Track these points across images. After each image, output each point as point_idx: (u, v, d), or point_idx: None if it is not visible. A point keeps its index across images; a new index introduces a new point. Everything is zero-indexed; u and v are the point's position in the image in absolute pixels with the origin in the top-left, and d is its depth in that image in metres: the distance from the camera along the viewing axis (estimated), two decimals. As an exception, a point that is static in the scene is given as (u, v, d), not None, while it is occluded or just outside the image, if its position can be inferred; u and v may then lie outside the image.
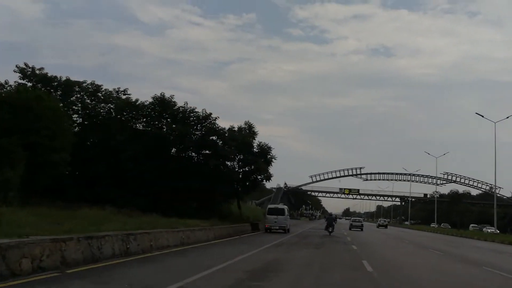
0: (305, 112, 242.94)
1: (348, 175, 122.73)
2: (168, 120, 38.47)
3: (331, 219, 39.96)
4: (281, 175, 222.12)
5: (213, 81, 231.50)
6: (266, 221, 34.91)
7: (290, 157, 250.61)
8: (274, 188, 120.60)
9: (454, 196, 79.47)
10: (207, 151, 38.96)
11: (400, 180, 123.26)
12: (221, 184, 37.68)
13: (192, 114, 38.51)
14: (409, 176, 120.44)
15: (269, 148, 41.09)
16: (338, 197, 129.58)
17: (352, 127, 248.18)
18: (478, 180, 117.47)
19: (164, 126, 38.06)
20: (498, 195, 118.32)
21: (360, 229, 54.87)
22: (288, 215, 36.23)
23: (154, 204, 33.71)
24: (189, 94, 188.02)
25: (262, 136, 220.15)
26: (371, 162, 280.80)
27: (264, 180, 41.50)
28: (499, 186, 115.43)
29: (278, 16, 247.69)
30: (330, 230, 37.63)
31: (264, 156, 40.84)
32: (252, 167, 40.18)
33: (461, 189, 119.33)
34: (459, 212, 78.02)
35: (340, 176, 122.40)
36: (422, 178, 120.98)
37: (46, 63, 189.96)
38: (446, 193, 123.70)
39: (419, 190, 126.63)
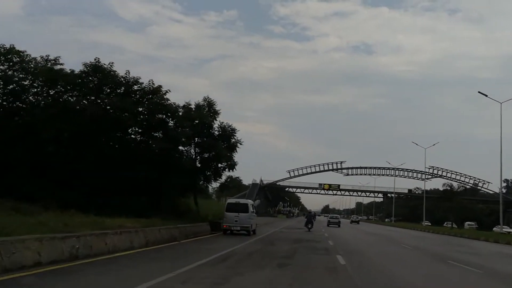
0: (287, 109, 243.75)
1: (328, 170, 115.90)
2: (111, 96, 30.57)
3: (310, 216, 43.21)
4: (262, 172, 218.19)
5: (194, 78, 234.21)
6: (224, 220, 27.42)
7: (272, 155, 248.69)
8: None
9: (447, 192, 72.81)
10: (156, 134, 31.38)
11: (383, 175, 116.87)
12: (173, 174, 30.13)
13: (135, 87, 30.78)
14: (393, 171, 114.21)
15: (233, 130, 33.62)
16: (317, 193, 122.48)
17: (334, 124, 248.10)
18: (464, 175, 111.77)
19: (100, 102, 30.15)
20: (486, 190, 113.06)
21: (337, 226, 56.73)
22: (253, 212, 28.78)
23: (86, 199, 26.33)
24: (169, 92, 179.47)
25: (244, 133, 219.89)
26: (353, 159, 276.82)
27: (227, 170, 33.92)
28: (487, 181, 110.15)
29: (259, 13, 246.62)
30: (309, 226, 40.45)
31: (226, 140, 33.36)
32: (213, 153, 32.69)
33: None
34: (453, 208, 71.27)
35: (320, 171, 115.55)
36: (406, 172, 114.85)
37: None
38: (430, 189, 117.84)
39: (403, 185, 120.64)
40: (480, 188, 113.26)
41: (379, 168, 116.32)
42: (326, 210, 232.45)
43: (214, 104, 33.67)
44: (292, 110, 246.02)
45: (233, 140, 33.68)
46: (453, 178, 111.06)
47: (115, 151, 29.59)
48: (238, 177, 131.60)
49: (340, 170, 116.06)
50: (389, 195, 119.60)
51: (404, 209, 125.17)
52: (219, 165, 33.32)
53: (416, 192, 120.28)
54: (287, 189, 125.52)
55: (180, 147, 32.32)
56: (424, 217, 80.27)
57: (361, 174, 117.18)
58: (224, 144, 33.14)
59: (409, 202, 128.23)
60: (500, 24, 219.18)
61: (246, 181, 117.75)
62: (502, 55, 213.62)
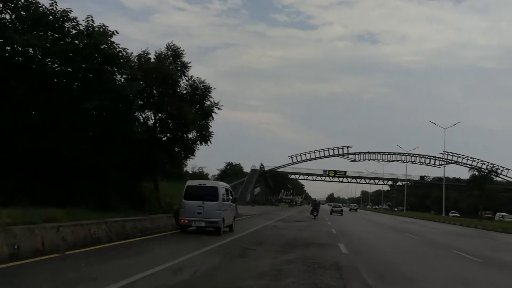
0: (291, 98, 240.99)
1: (334, 155, 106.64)
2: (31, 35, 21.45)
3: (315, 205, 46.68)
4: (265, 161, 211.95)
5: (198, 67, 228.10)
6: (181, 212, 18.45)
7: (275, 143, 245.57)
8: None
9: (477, 178, 63.09)
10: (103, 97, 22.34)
11: (393, 161, 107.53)
12: (117, 147, 21.25)
13: (67, 25, 21.72)
14: (403, 156, 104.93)
15: (207, 88, 24.62)
16: (322, 180, 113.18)
17: (338, 113, 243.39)
18: (481, 161, 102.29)
19: (15, 44, 21.04)
20: (505, 178, 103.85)
21: (340, 214, 59.00)
22: (229, 199, 19.73)
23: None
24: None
25: (248, 122, 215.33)
26: (357, 148, 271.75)
27: (200, 142, 24.86)
28: (506, 168, 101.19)
29: (264, 1, 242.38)
30: (315, 214, 43.48)
31: (198, 102, 24.47)
32: (182, 120, 23.62)
33: (460, 170, 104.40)
34: (483, 197, 62.02)
35: (324, 157, 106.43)
36: (418, 158, 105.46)
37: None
38: (440, 177, 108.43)
39: (412, 172, 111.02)
40: (498, 175, 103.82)
41: (389, 153, 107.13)
42: (330, 198, 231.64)
43: (182, 55, 24.72)
44: (296, 99, 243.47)
45: (208, 103, 24.77)
46: (469, 165, 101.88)
47: (36, 113, 20.72)
48: (238, 164, 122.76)
49: (346, 156, 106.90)
50: (400, 182, 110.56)
51: (413, 198, 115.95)
52: (188, 136, 24.36)
53: (426, 180, 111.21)
54: (289, 175, 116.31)
55: (138, 114, 23.33)
56: (444, 207, 70.37)
57: (369, 160, 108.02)
58: (195, 107, 24.29)
59: (418, 190, 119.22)
60: (505, 14, 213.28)
61: (248, 169, 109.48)
62: (507, 45, 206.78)
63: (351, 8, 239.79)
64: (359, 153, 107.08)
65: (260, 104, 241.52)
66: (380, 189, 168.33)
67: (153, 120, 24.28)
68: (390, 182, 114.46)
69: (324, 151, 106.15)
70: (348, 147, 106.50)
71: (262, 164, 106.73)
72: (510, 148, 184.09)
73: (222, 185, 18.91)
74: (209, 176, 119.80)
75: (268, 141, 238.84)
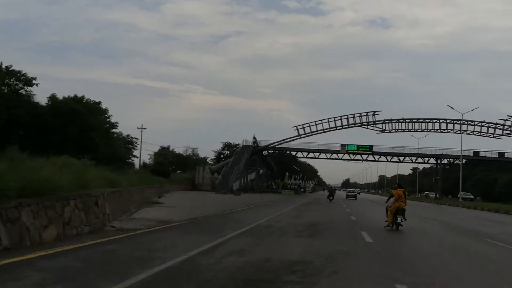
0: (303, 85, 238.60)
1: (354, 125, 78.17)
2: None
3: (332, 190, 52.43)
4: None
5: (209, 56, 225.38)
6: None
7: (289, 131, 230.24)
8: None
9: None
10: None
11: (437, 131, 78.72)
12: None
13: None
14: (450, 124, 76.58)
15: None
16: (339, 159, 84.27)
17: (351, 99, 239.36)
18: None
19: None
20: None
21: (354, 198, 63.51)
22: None
23: None
24: (186, 70, 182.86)
25: (261, 110, 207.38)
26: (371, 135, 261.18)
27: None
28: None
29: None
30: (331, 198, 48.47)
31: None
32: None
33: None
34: None
35: (341, 127, 78.24)
36: (472, 126, 77.07)
37: (42, 40, 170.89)
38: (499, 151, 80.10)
39: (456, 146, 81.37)
40: None
41: (430, 120, 78.34)
42: (346, 184, 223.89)
43: None
44: (309, 86, 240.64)
45: None
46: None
47: None
48: (238, 144, 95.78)
49: (372, 124, 78.36)
50: (450, 160, 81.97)
51: (443, 182, 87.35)
52: None
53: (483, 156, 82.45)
54: (294, 153, 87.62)
55: None
56: None
57: (402, 131, 79.19)
58: None
59: (448, 173, 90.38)
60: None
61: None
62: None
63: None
64: (390, 120, 78.42)
65: (272, 91, 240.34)
66: (399, 173, 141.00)
67: None
68: (432, 160, 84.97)
69: (341, 119, 77.90)
70: (374, 113, 78.13)
71: (255, 138, 78.68)
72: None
73: None
74: (208, 160, 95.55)
75: (280, 128, 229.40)
